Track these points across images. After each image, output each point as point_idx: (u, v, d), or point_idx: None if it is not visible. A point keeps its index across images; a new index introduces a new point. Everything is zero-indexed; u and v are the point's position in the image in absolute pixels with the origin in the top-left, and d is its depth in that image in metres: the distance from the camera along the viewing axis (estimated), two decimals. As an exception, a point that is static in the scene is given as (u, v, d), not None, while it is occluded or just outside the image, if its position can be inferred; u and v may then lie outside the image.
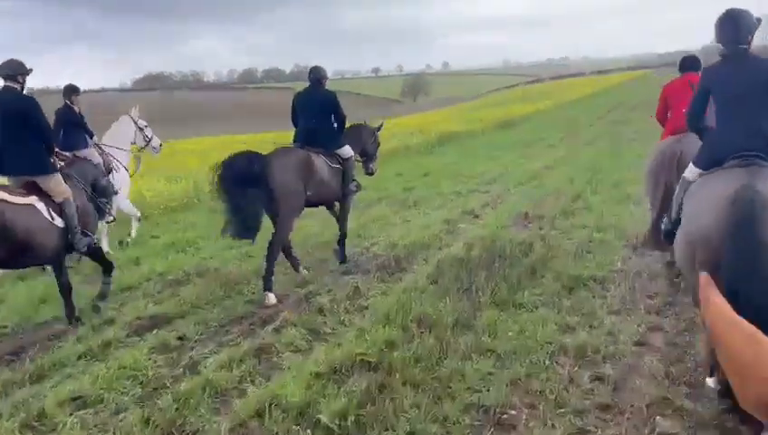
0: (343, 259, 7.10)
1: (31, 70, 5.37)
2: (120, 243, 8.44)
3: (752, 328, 0.79)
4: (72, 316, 5.57)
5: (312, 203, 6.65)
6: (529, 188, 11.37)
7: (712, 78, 3.80)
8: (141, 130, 7.66)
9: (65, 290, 5.58)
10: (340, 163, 6.84)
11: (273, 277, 6.00)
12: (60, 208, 5.27)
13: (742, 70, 3.62)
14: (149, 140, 7.72)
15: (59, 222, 5.25)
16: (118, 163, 7.84)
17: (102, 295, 5.95)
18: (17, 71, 5.23)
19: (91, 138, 7.62)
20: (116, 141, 7.53)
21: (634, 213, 8.57)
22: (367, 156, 7.73)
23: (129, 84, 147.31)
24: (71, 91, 7.69)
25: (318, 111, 6.74)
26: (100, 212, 6.12)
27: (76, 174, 5.79)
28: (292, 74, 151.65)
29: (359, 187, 7.22)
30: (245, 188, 5.78)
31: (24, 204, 5.01)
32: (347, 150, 6.94)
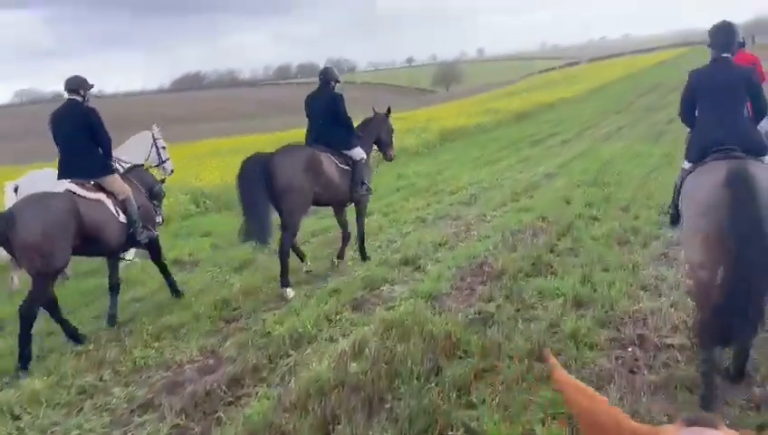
0: (364, 257, 7.08)
1: (92, 85, 5.80)
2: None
3: (588, 390, 1.06)
4: (114, 315, 5.85)
5: (320, 202, 6.67)
6: (512, 211, 8.63)
7: (698, 78, 4.10)
8: (158, 149, 7.36)
9: (115, 287, 5.98)
10: (349, 165, 6.77)
11: (288, 274, 6.13)
12: (123, 205, 5.66)
13: (722, 73, 4.01)
14: (164, 161, 7.43)
15: (123, 218, 5.63)
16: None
17: (172, 288, 6.37)
18: (80, 86, 5.68)
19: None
20: (129, 155, 7.16)
21: (640, 266, 5.82)
22: (382, 144, 7.63)
23: (168, 85, 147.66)
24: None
25: (324, 113, 6.76)
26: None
27: (134, 178, 6.14)
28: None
29: (369, 190, 7.10)
30: (255, 187, 5.96)
31: (95, 199, 5.44)
32: (357, 152, 6.86)
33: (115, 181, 5.66)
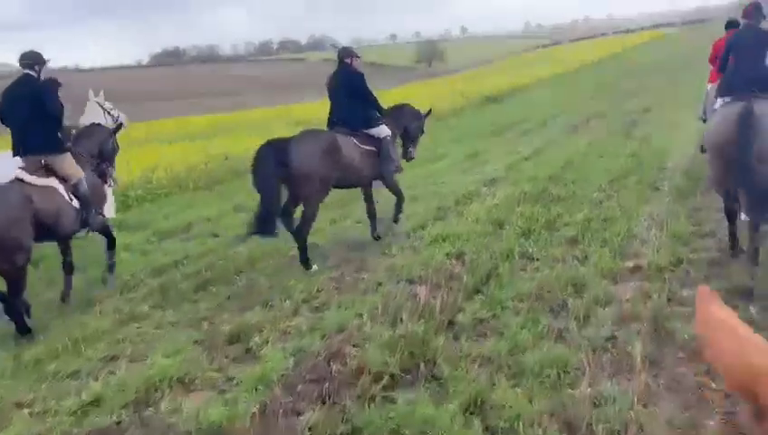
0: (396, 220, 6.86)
1: (48, 60, 5.62)
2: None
3: (741, 328, 0.84)
4: (67, 296, 5.65)
5: (342, 185, 6.42)
6: (426, 241, 6.44)
7: (733, 38, 5.58)
8: (109, 112, 6.87)
9: (69, 269, 5.75)
10: (374, 144, 6.47)
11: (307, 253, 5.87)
12: (75, 189, 5.42)
13: (752, 35, 5.31)
14: (117, 119, 6.98)
15: (76, 203, 5.40)
16: None
17: (110, 269, 6.01)
18: (35, 60, 5.51)
19: None
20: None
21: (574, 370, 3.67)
22: (407, 139, 7.24)
23: (146, 60, 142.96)
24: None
25: (344, 92, 6.46)
26: (103, 178, 6.08)
27: (83, 148, 5.89)
28: (308, 45, 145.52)
29: (399, 168, 6.82)
30: (271, 175, 5.72)
31: (47, 186, 5.21)
32: (382, 130, 6.55)
33: (65, 161, 5.42)
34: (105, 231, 6.00)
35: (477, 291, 4.91)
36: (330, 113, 6.59)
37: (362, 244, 6.67)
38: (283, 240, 6.25)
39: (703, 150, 5.95)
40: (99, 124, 6.33)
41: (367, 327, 4.29)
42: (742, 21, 5.73)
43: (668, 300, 4.45)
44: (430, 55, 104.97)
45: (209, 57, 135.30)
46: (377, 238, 6.65)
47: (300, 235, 5.88)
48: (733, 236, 5.25)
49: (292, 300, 5.04)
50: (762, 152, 4.54)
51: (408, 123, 7.14)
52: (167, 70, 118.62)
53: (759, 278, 4.57)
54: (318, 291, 5.25)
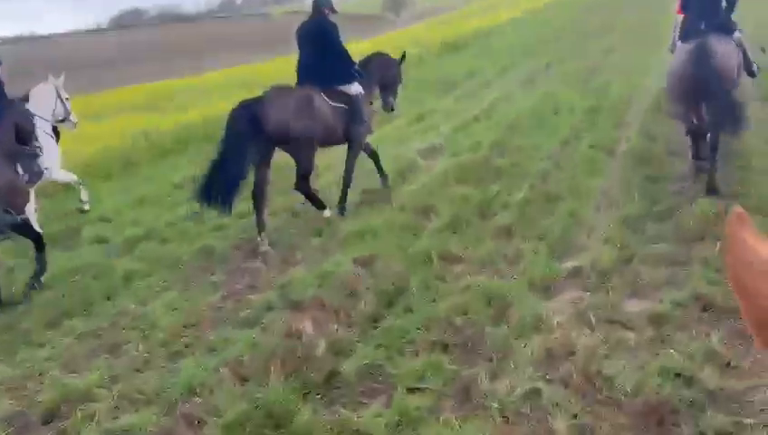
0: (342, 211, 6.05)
1: None
2: (82, 212, 7.21)
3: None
4: None
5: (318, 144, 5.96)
6: (338, 244, 5.38)
7: None
8: (63, 102, 6.68)
9: None
10: (344, 102, 5.97)
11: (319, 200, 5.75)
12: None
13: None
14: (68, 115, 6.72)
15: None
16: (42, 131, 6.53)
17: (40, 273, 5.16)
18: None
19: None
20: (38, 109, 6.49)
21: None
22: (384, 89, 6.69)
23: (105, 24, 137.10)
24: None
25: (315, 44, 5.95)
26: (33, 159, 5.56)
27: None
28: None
29: (369, 129, 6.38)
30: (244, 140, 5.27)
31: None
32: (353, 87, 6.04)
33: None
34: (24, 232, 5.18)
35: (378, 318, 3.89)
36: (299, 66, 6.10)
37: (274, 241, 5.59)
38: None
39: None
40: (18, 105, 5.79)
41: (221, 390, 3.26)
42: None
43: (609, 323, 3.48)
44: (395, 5, 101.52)
45: (171, 17, 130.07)
46: (341, 211, 6.06)
47: (301, 191, 5.74)
48: (696, 152, 5.74)
49: (149, 342, 3.99)
50: (716, 70, 5.12)
51: (384, 73, 6.66)
52: (126, 33, 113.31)
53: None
54: (187, 327, 4.19)
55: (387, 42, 25.38)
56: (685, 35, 5.65)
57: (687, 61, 5.24)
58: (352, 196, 6.34)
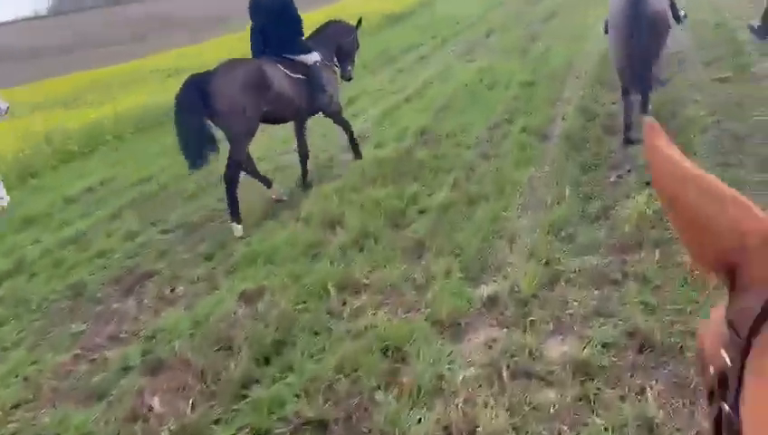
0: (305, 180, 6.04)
1: None
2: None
3: (710, 179, 0.56)
4: None
5: (272, 119, 5.68)
6: (226, 273, 4.57)
7: None
8: None
9: None
10: (303, 72, 5.67)
11: (238, 206, 5.15)
12: None
13: None
14: None
15: None
16: None
17: None
18: None
19: None
20: None
21: None
22: (342, 58, 6.39)
23: (46, 11, 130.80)
24: None
25: (268, 12, 5.64)
26: None
27: None
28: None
29: (333, 99, 6.01)
30: (193, 115, 5.06)
31: None
32: (310, 57, 5.77)
33: None
34: None
35: (249, 383, 3.13)
36: (252, 38, 5.85)
37: (157, 269, 4.76)
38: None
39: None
40: None
41: None
42: None
43: (526, 378, 2.78)
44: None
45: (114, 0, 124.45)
46: (306, 186, 5.95)
47: (226, 180, 5.20)
48: (625, 110, 5.65)
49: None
50: (649, 22, 5.26)
51: (340, 41, 6.36)
52: (66, 19, 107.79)
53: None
54: (21, 405, 3.36)
55: (325, 16, 24.26)
56: None
57: (621, 4, 5.42)
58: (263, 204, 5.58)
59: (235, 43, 23.08)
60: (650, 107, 5.63)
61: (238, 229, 5.11)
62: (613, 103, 6.60)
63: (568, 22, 13.00)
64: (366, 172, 5.83)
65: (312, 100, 5.77)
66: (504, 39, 12.68)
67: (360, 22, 6.75)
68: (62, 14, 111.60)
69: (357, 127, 7.99)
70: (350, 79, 6.70)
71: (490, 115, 7.07)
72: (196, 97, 5.01)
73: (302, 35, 5.86)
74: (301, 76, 5.67)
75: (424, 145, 6.50)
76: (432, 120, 7.38)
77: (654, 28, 5.32)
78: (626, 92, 5.65)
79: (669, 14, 5.72)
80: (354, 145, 6.34)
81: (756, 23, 6.12)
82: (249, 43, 5.88)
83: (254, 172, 5.73)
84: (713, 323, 0.56)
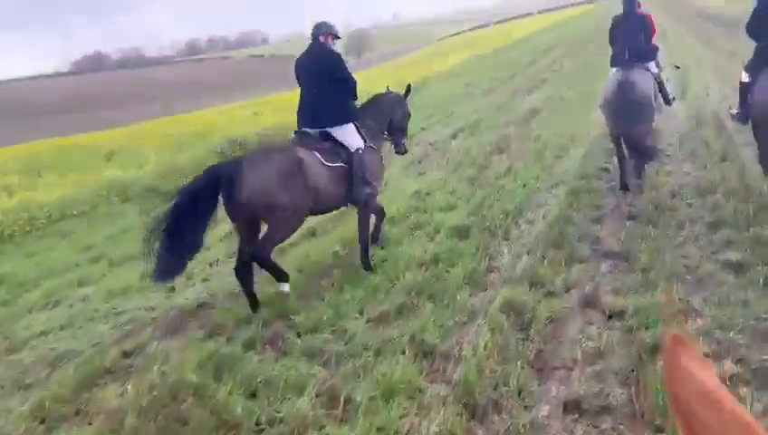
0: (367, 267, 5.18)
1: None
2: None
3: (725, 400, 0.56)
4: None
5: (312, 211, 5.03)
6: None
7: (613, 21, 6.76)
8: None
9: None
10: (344, 160, 5.05)
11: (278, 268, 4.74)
12: None
13: (626, 20, 6.58)
14: None
15: None
16: None
17: None
18: None
19: None
20: None
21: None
22: (394, 132, 5.85)
23: (68, 68, 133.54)
24: None
25: (317, 77, 5.11)
26: None
27: None
28: (237, 41, 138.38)
29: (373, 192, 5.27)
30: (205, 208, 4.30)
31: None
32: (353, 141, 5.11)
33: None
34: None
35: None
36: (301, 105, 5.29)
37: None
38: None
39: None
40: None
41: None
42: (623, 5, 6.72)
43: None
44: (358, 47, 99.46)
45: (134, 61, 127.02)
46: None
47: (259, 262, 4.58)
48: (622, 173, 6.36)
49: None
50: (636, 104, 5.91)
51: (393, 114, 5.81)
52: (85, 77, 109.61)
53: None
54: None
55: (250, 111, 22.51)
56: (612, 62, 6.66)
57: (613, 87, 6.17)
58: None
59: (243, 110, 21.66)
60: (644, 175, 6.39)
61: (286, 286, 4.73)
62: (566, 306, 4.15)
63: (550, 122, 10.82)
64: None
65: (351, 192, 5.12)
66: (467, 143, 10.41)
67: (408, 89, 6.10)
68: (85, 72, 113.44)
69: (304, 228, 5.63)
70: (405, 152, 6.18)
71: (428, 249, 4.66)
72: (213, 191, 4.32)
73: (355, 99, 5.30)
74: (341, 164, 5.04)
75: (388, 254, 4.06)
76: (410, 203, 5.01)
77: (640, 111, 5.91)
78: (620, 158, 6.39)
79: (658, 96, 6.57)
80: (378, 232, 5.66)
81: (736, 110, 6.16)
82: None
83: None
84: None
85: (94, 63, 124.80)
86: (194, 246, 4.30)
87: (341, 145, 5.09)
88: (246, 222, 4.62)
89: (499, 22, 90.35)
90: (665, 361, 0.60)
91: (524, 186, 7.04)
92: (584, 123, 10.02)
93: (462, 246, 5.39)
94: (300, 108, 5.25)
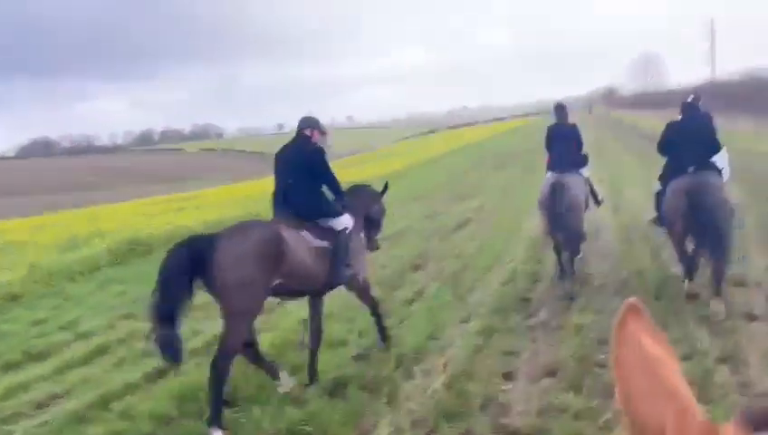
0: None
1: None
2: None
3: (665, 373, 0.57)
4: None
5: (285, 292, 4.64)
6: None
7: (548, 131, 7.39)
8: None
9: None
10: (329, 239, 4.82)
11: (221, 406, 4.03)
12: None
13: (561, 129, 7.32)
14: None
15: None
16: None
17: None
18: None
19: None
20: None
21: None
22: (370, 226, 5.62)
23: (13, 153, 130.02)
24: None
25: (296, 170, 4.94)
26: None
27: None
28: (191, 134, 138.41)
29: (357, 273, 5.09)
30: (181, 282, 4.06)
31: None
32: (341, 221, 4.97)
33: None
34: None
35: None
36: (275, 195, 5.02)
37: None
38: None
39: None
40: None
41: None
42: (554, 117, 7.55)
43: None
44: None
45: (84, 149, 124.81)
46: (310, 379, 4.67)
47: (214, 371, 4.01)
48: (560, 265, 6.83)
49: None
50: (568, 205, 6.43)
51: (369, 208, 5.56)
52: (30, 162, 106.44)
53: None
54: None
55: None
56: (549, 167, 7.13)
57: (549, 188, 6.63)
58: None
59: (185, 202, 20.25)
60: (579, 265, 7.05)
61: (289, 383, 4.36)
62: None
63: (478, 234, 9.83)
64: None
65: (333, 273, 4.80)
66: (382, 258, 9.25)
67: (386, 187, 5.93)
68: (24, 158, 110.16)
69: None
70: (377, 249, 5.96)
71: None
72: (186, 263, 4.06)
73: (337, 193, 5.12)
74: (326, 244, 4.79)
75: None
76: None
77: (571, 211, 6.51)
78: (557, 251, 6.90)
79: (588, 197, 7.14)
80: (382, 329, 5.31)
81: (652, 215, 6.61)
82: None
83: (255, 357, 4.57)
84: None
85: (43, 149, 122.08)
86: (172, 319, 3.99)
87: (328, 227, 4.89)
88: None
89: (449, 128, 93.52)
90: (615, 327, 0.60)
91: (432, 317, 5.82)
92: (513, 237, 9.09)
93: (331, 413, 4.03)
94: (277, 199, 4.98)
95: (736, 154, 7.99)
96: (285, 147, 5.14)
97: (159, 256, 4.44)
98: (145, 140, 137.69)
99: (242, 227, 4.45)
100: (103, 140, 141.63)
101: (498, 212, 12.20)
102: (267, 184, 15.40)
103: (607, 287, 6.49)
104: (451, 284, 7.10)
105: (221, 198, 21.42)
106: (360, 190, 5.69)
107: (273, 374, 4.58)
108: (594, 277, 6.91)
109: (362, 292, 5.24)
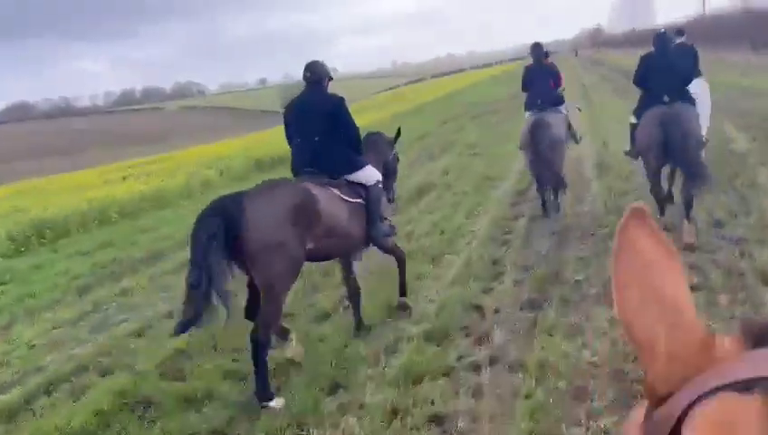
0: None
1: None
2: None
3: (668, 282, 0.53)
4: None
5: (319, 256, 4.35)
6: None
7: (525, 71, 7.60)
8: None
9: None
10: (361, 195, 4.52)
11: (267, 378, 3.86)
12: None
13: (538, 68, 7.47)
14: None
15: None
16: None
17: None
18: None
19: None
20: None
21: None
22: (387, 176, 5.13)
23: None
24: None
25: (320, 124, 4.48)
26: None
27: None
28: (173, 92, 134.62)
29: (393, 229, 4.91)
30: (212, 248, 3.63)
31: None
32: (370, 174, 4.63)
33: None
34: None
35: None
36: (296, 153, 4.56)
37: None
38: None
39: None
40: None
41: None
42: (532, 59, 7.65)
43: None
44: (291, 99, 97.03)
45: (63, 111, 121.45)
46: (360, 329, 4.65)
47: (256, 343, 3.76)
48: (542, 200, 7.20)
49: None
50: (550, 142, 6.68)
51: (387, 156, 5.16)
52: (8, 127, 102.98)
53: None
54: None
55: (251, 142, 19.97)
56: (526, 107, 7.36)
57: (529, 127, 6.83)
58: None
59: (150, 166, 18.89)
60: (562, 204, 7.38)
61: (275, 404, 3.84)
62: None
63: (443, 202, 8.55)
64: None
65: (369, 231, 4.56)
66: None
67: (398, 133, 5.43)
68: (15, 122, 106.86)
69: None
70: (393, 201, 5.48)
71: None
72: (220, 228, 3.64)
73: (360, 147, 4.67)
74: (360, 201, 4.47)
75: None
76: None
77: (552, 149, 6.72)
78: (540, 190, 7.20)
79: (567, 135, 7.33)
80: (403, 284, 4.97)
81: (628, 148, 6.51)
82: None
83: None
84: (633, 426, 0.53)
85: (21, 113, 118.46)
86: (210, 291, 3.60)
87: (357, 183, 4.55)
88: None
89: (435, 77, 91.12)
90: (617, 231, 0.56)
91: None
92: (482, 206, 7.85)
93: None
94: (302, 158, 4.51)
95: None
96: (295, 101, 4.66)
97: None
98: (127, 100, 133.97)
99: (270, 187, 4.05)
100: (86, 101, 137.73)
101: (470, 170, 10.91)
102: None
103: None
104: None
105: (190, 159, 19.95)
106: (376, 139, 5.25)
107: (283, 337, 4.32)
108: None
109: (391, 248, 4.94)
